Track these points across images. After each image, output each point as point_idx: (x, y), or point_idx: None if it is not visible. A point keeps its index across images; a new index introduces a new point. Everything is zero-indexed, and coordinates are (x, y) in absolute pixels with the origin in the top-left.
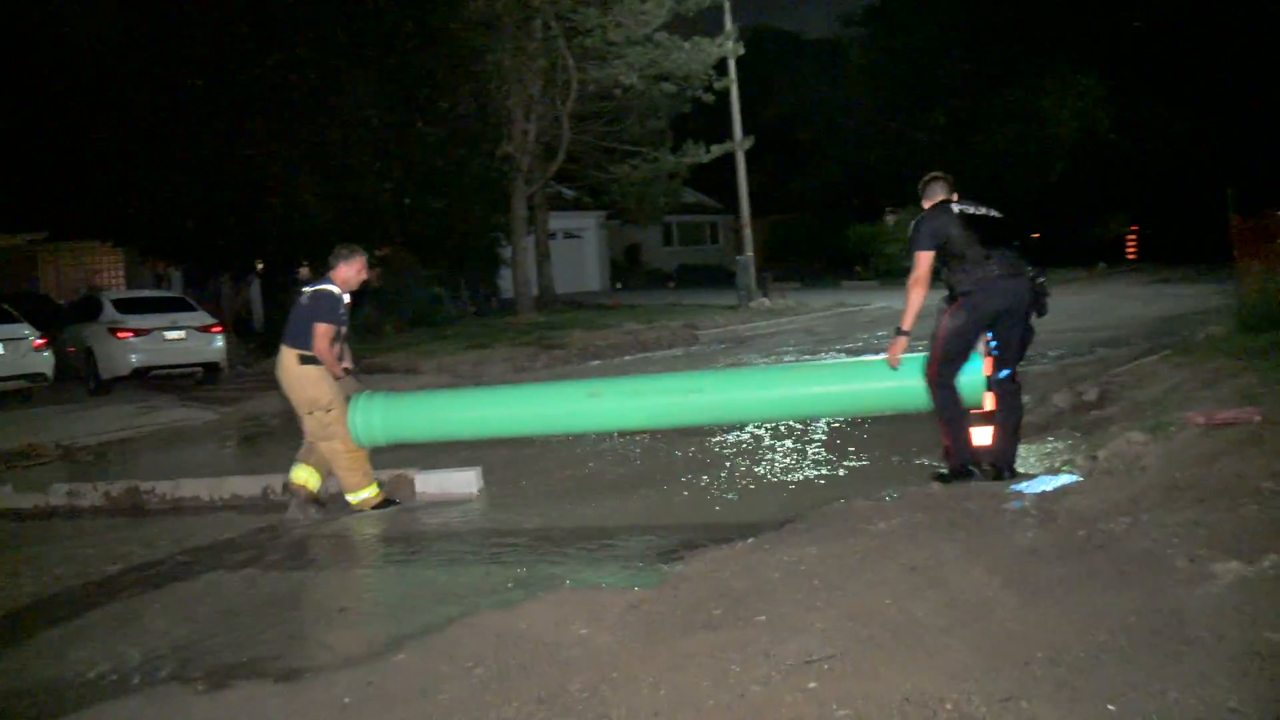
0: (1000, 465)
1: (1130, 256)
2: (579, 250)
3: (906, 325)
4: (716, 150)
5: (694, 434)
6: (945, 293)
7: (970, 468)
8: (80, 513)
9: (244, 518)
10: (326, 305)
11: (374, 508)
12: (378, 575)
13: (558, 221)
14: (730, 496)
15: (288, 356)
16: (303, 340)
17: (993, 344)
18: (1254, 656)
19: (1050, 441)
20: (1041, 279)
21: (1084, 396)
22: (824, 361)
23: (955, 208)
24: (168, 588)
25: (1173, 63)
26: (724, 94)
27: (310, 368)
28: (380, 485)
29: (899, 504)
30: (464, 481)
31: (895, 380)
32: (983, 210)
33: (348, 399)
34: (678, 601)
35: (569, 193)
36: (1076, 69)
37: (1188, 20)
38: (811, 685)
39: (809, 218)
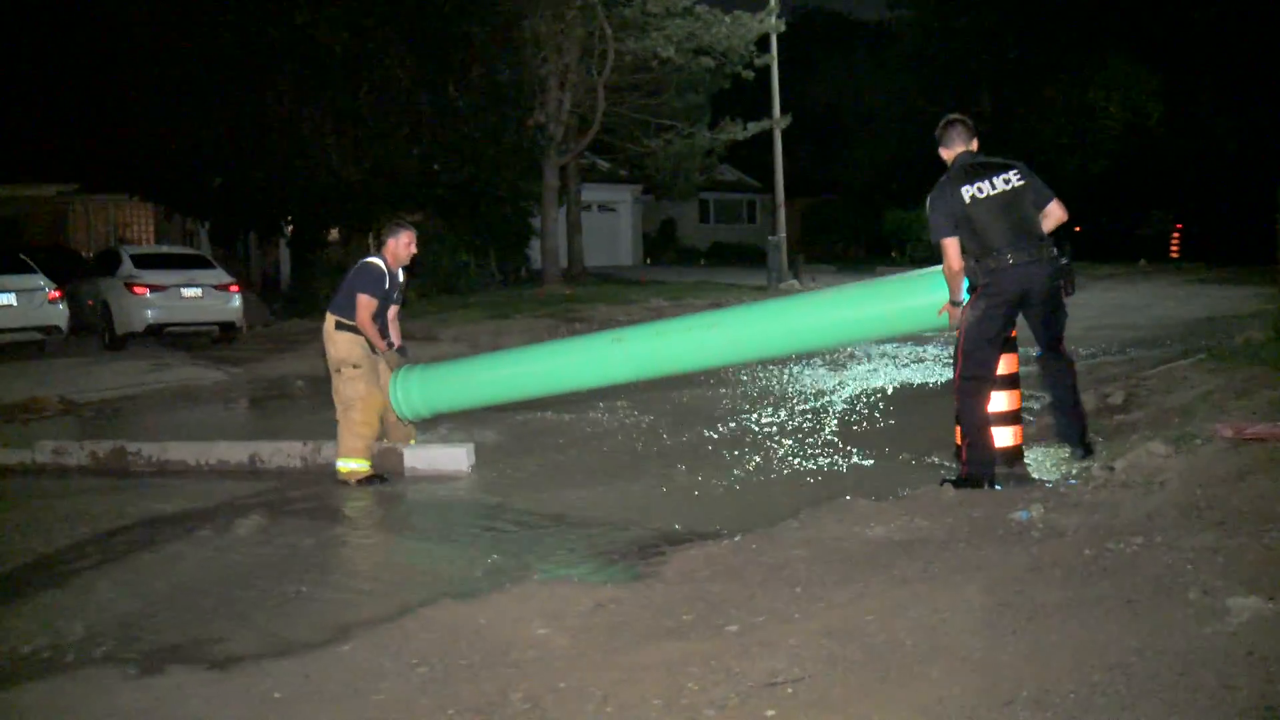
0: (1075, 446)
1: (1173, 254)
2: (613, 224)
3: (956, 296)
4: (754, 128)
5: (698, 419)
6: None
7: (986, 479)
8: (66, 472)
9: (226, 485)
10: (369, 278)
11: (359, 481)
12: (345, 555)
13: (592, 194)
14: (727, 488)
15: (329, 320)
16: (343, 309)
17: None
18: (1268, 713)
19: (1068, 445)
20: (1066, 259)
21: (1109, 399)
22: (839, 289)
23: (968, 190)
24: (129, 557)
25: (1228, 58)
26: (764, 71)
27: (345, 333)
28: (371, 460)
29: (900, 506)
30: (454, 459)
31: (910, 301)
32: (1000, 185)
33: (393, 369)
34: (648, 603)
35: (604, 165)
36: (1129, 60)
37: (1246, 15)
38: (769, 714)
39: (847, 201)
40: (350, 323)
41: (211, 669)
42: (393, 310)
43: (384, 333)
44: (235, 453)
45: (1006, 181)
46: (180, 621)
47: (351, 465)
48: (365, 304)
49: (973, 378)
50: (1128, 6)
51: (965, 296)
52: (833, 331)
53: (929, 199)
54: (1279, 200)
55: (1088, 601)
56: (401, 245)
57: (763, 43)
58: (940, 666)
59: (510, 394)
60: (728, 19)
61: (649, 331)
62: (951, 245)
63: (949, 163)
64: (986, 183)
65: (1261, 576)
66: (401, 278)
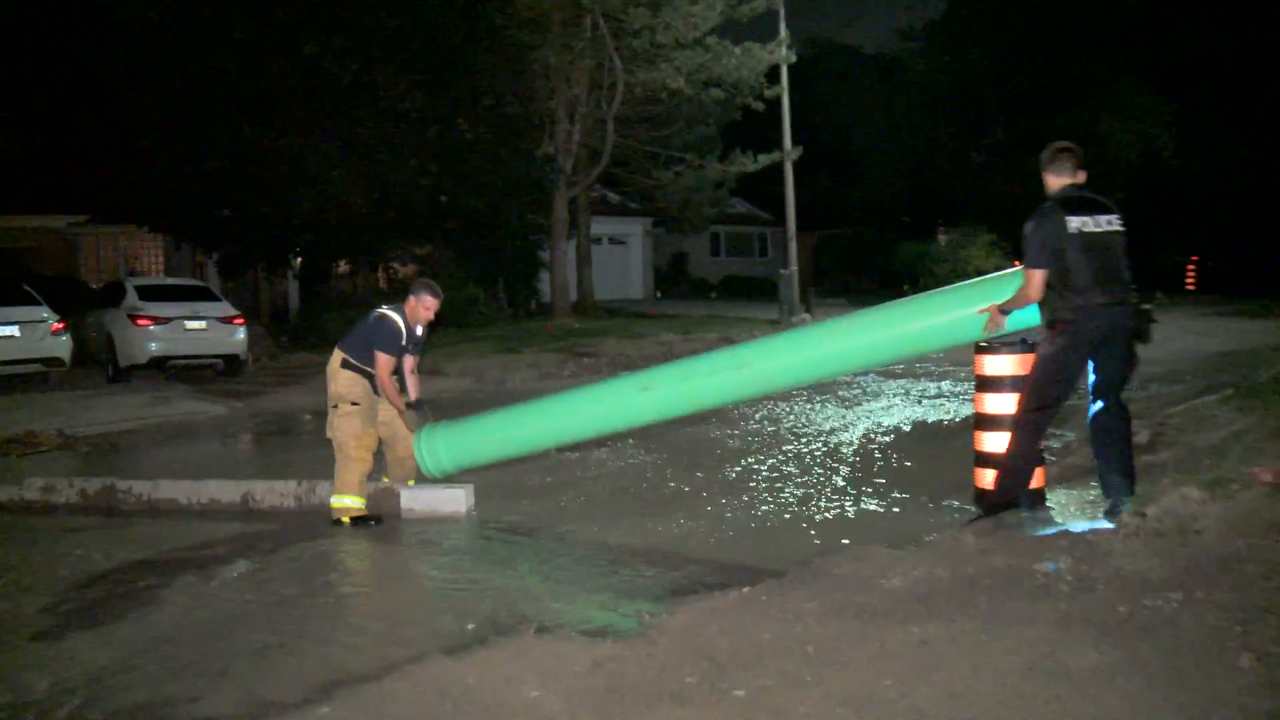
0: (1122, 498)
1: (1189, 287)
2: (623, 256)
3: (1011, 307)
4: (764, 160)
5: (707, 459)
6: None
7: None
8: (54, 509)
9: (216, 526)
10: (385, 334)
11: (353, 519)
12: (333, 604)
13: (602, 226)
14: (736, 534)
15: (336, 357)
16: (352, 348)
17: (1093, 377)
18: None
19: (1095, 488)
20: (1148, 305)
21: (1135, 438)
22: (857, 315)
23: (1074, 222)
24: (106, 604)
25: (1242, 87)
26: (775, 103)
27: (349, 372)
28: (366, 500)
29: (918, 555)
30: (453, 500)
31: (924, 321)
32: (1104, 224)
33: (413, 429)
34: (650, 662)
35: (614, 197)
36: (1141, 90)
37: (1260, 44)
38: None
39: (859, 233)
40: (356, 363)
41: None
42: (411, 361)
43: (401, 385)
44: (227, 492)
45: (1110, 222)
46: (154, 677)
47: (345, 502)
48: (384, 363)
49: (1038, 409)
50: (1140, 36)
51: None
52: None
53: (1029, 224)
54: None
55: (1125, 666)
56: (423, 307)
57: (773, 74)
58: None
59: (538, 446)
60: (738, 50)
61: (674, 375)
62: (1039, 278)
63: (1051, 190)
64: (1092, 219)
65: None
66: (421, 331)
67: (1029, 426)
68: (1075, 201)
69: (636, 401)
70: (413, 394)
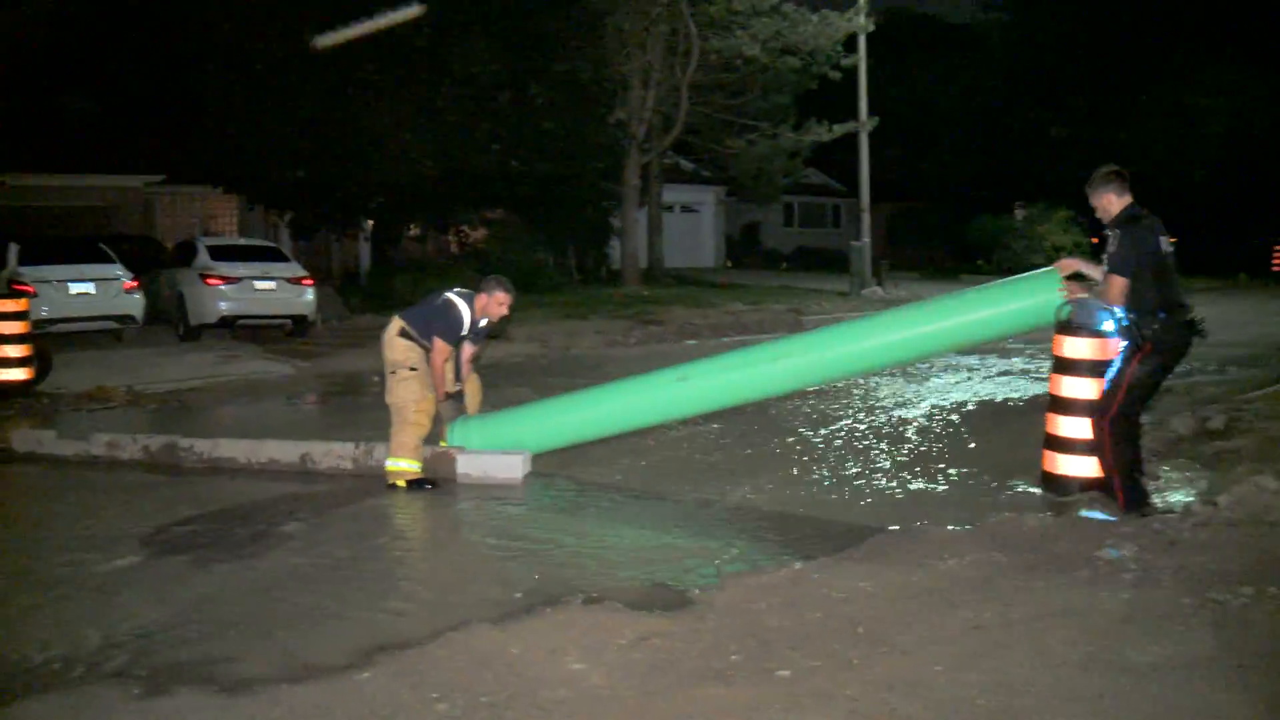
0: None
1: (1275, 269)
2: (695, 225)
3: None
4: (838, 130)
5: (767, 430)
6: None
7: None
8: (118, 465)
9: (273, 485)
10: (448, 323)
11: (408, 483)
12: (383, 569)
13: (674, 194)
14: (794, 508)
15: (394, 324)
16: (415, 325)
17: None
18: None
19: (1164, 473)
20: (1202, 319)
21: (1209, 423)
22: (903, 310)
23: (1163, 242)
24: (161, 561)
25: None
26: (851, 72)
27: (405, 340)
28: (423, 464)
29: (976, 537)
30: (508, 466)
31: (958, 318)
32: (1169, 246)
33: (448, 420)
34: (696, 638)
35: (687, 165)
36: (1235, 63)
37: None
38: None
39: (934, 206)
40: (415, 336)
41: (220, 692)
42: (469, 350)
43: (456, 373)
44: (286, 452)
45: (1171, 244)
46: (200, 635)
47: (401, 465)
48: (440, 349)
49: (1129, 416)
50: (1232, 6)
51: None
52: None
53: (1126, 231)
54: None
55: (1189, 663)
56: (494, 303)
57: (850, 43)
58: None
59: (575, 439)
60: (815, 18)
61: (713, 367)
62: (1124, 286)
63: (1115, 210)
64: (1165, 239)
65: None
66: (485, 323)
67: (1125, 432)
68: (1153, 221)
69: (674, 392)
70: (465, 374)
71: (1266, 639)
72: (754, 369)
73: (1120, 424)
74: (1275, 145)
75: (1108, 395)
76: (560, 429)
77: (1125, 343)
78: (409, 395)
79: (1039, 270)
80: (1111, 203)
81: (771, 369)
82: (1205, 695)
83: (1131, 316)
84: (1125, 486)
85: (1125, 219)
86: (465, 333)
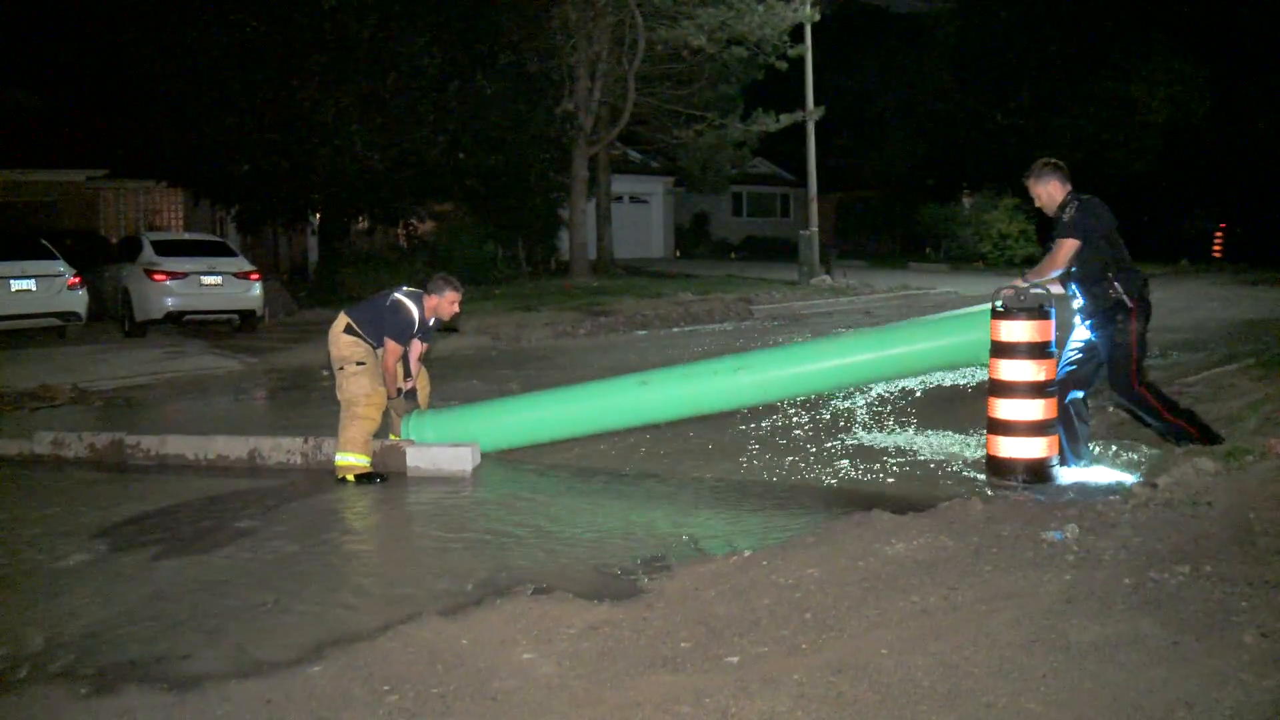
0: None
1: (1216, 255)
2: (644, 215)
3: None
4: (786, 119)
5: (719, 418)
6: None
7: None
8: (63, 464)
9: (222, 482)
10: (399, 324)
11: (358, 477)
12: (333, 563)
13: (623, 185)
14: (743, 496)
15: (340, 321)
16: (362, 324)
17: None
18: None
19: (1107, 458)
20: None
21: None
22: (869, 330)
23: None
24: (108, 560)
25: (1278, 52)
26: (798, 62)
27: (351, 336)
28: (372, 457)
29: (924, 522)
30: (457, 458)
31: (928, 343)
32: None
33: (400, 415)
34: (645, 626)
35: (636, 156)
36: (1174, 54)
37: None
38: None
39: (882, 195)
40: (361, 334)
41: (169, 690)
42: (418, 348)
43: (406, 368)
44: (235, 448)
45: None
46: (148, 633)
47: (350, 459)
48: (393, 350)
49: (1145, 379)
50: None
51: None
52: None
53: (1082, 203)
54: None
55: (1128, 641)
56: (444, 303)
57: (797, 33)
58: (959, 713)
59: (531, 440)
60: (761, 8)
61: (674, 376)
62: (1072, 249)
63: (1059, 198)
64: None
65: None
66: (434, 323)
67: (1152, 392)
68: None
69: (635, 398)
70: (414, 372)
71: (1200, 615)
72: (715, 380)
73: (1148, 380)
74: (1213, 133)
75: (1125, 362)
76: (517, 428)
77: (1111, 310)
78: (358, 389)
79: (978, 308)
80: (1056, 190)
81: (733, 381)
82: (1142, 671)
83: (1109, 278)
84: (1196, 424)
85: (1079, 198)
86: (415, 332)
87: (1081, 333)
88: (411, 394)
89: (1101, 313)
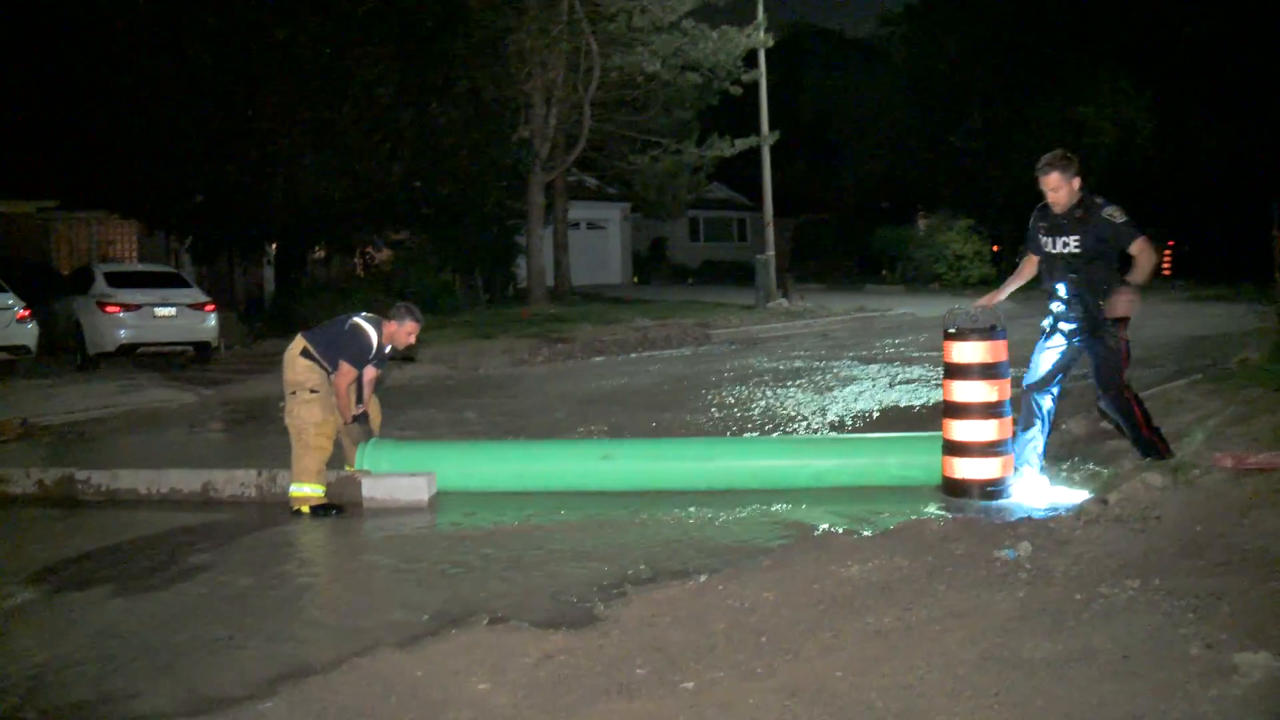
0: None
1: (1164, 272)
2: (602, 241)
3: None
4: (741, 144)
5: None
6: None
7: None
8: (10, 500)
9: (175, 516)
10: (356, 348)
11: (313, 508)
12: (287, 596)
13: (580, 211)
14: (702, 522)
15: (297, 344)
16: (318, 346)
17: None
18: None
19: (1061, 474)
20: None
21: (1102, 424)
22: (839, 437)
23: None
24: (55, 599)
25: (1220, 74)
26: (753, 87)
27: (308, 361)
28: (327, 488)
29: (879, 543)
30: (413, 488)
31: (873, 459)
32: None
33: (355, 442)
34: (601, 654)
35: (592, 182)
36: (1119, 76)
37: (1234, 32)
38: None
39: (838, 218)
40: (317, 357)
41: None
42: (372, 374)
43: (359, 393)
44: (188, 481)
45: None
46: (96, 673)
47: (305, 490)
48: (346, 374)
49: (1134, 391)
50: (1117, 23)
51: None
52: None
53: (1117, 209)
54: (1275, 217)
55: (1079, 656)
56: (403, 332)
57: (751, 58)
58: None
59: (483, 488)
60: (715, 34)
61: (639, 452)
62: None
63: (1076, 190)
64: None
65: (1270, 627)
66: (388, 349)
67: (1137, 402)
68: None
69: (595, 468)
70: (366, 398)
71: (1149, 629)
72: (680, 464)
73: (1129, 394)
74: (1159, 153)
75: (1116, 368)
76: (472, 476)
77: (1108, 320)
78: (309, 418)
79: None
80: (1077, 184)
81: (700, 467)
82: (1092, 686)
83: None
84: (1162, 440)
85: (1098, 198)
86: (371, 358)
87: (1058, 339)
88: (363, 419)
89: (1099, 322)
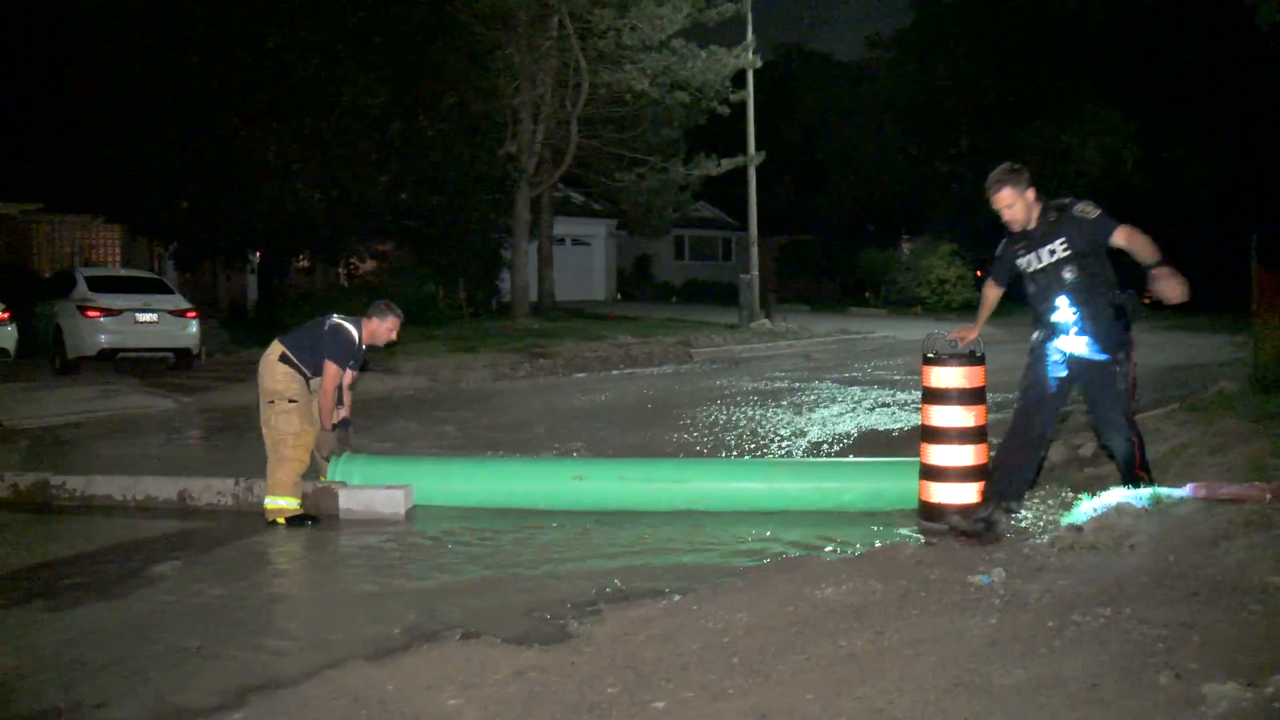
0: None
1: (1145, 301)
2: (586, 258)
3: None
4: (727, 164)
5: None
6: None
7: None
8: None
9: (149, 523)
10: (341, 347)
11: (288, 519)
12: (260, 607)
13: (566, 227)
14: (679, 541)
15: (274, 350)
16: (297, 351)
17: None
18: None
19: (1036, 501)
20: None
21: (1080, 450)
22: (810, 461)
23: None
24: (24, 606)
25: (1202, 105)
26: (741, 107)
27: (287, 367)
28: (303, 499)
29: (854, 566)
30: (390, 501)
31: (846, 483)
32: None
33: (328, 455)
34: (573, 671)
35: (578, 198)
36: (1104, 105)
37: (1217, 62)
38: None
39: (823, 240)
40: (296, 362)
41: None
42: (349, 377)
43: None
44: (163, 488)
45: None
46: (64, 681)
47: (280, 503)
48: (333, 373)
49: (1137, 429)
50: (1102, 52)
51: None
52: (791, 500)
53: (1092, 203)
54: (1253, 249)
55: (1049, 684)
56: (384, 329)
57: (739, 78)
58: None
59: (459, 503)
60: (703, 54)
61: (612, 473)
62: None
63: (1034, 200)
64: None
65: (1239, 657)
66: (364, 348)
67: (1138, 440)
68: None
69: (567, 487)
70: (346, 403)
71: (1120, 657)
72: (651, 485)
73: (1131, 420)
74: (1142, 183)
75: (1122, 400)
76: (444, 493)
77: (1117, 335)
78: (287, 429)
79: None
80: (1033, 196)
81: (672, 489)
82: (1061, 713)
83: (1116, 294)
84: (1149, 480)
85: (1060, 199)
86: (354, 357)
87: (1057, 359)
88: (344, 425)
89: (1109, 338)
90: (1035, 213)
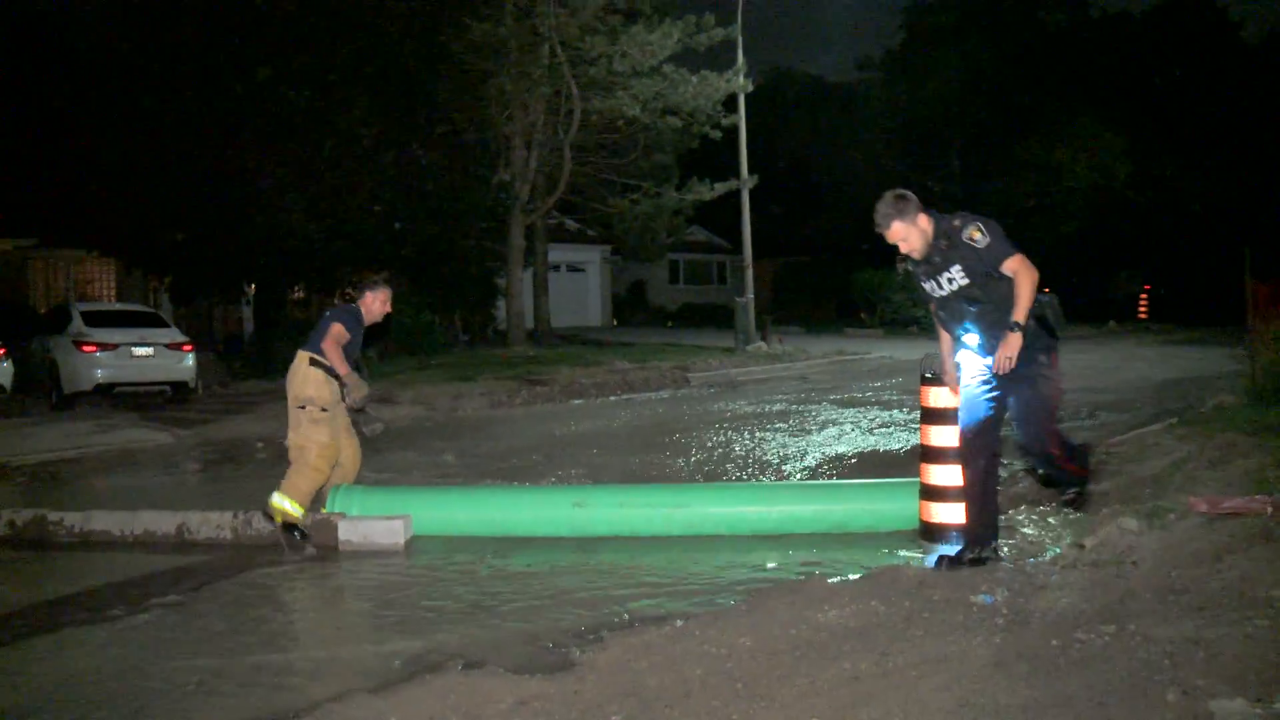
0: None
1: (1141, 316)
2: (581, 284)
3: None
4: (721, 188)
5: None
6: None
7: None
8: None
9: (148, 558)
10: (348, 314)
11: (286, 527)
12: (260, 641)
13: (560, 254)
14: (680, 567)
15: (301, 358)
16: (318, 348)
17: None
18: None
19: (1035, 520)
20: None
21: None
22: (810, 483)
23: None
24: (22, 643)
25: (1193, 120)
26: (733, 131)
27: (319, 371)
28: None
29: (856, 588)
30: (389, 531)
31: (845, 505)
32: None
33: (360, 403)
34: (576, 700)
35: (572, 225)
36: (1095, 121)
37: (1206, 79)
38: None
39: (818, 262)
40: (325, 362)
41: None
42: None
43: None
44: (162, 523)
45: (1044, 293)
46: (62, 718)
47: (287, 505)
48: (338, 332)
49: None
50: (1093, 69)
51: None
52: (792, 523)
53: (971, 219)
54: (1248, 263)
55: (1055, 703)
56: (378, 301)
57: (731, 103)
58: None
59: (457, 534)
60: (695, 79)
61: (612, 499)
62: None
63: (933, 227)
64: None
65: (1246, 673)
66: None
67: (1057, 435)
68: None
69: (567, 514)
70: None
71: (1125, 675)
72: (651, 511)
73: (1054, 428)
74: (1134, 198)
75: (1047, 408)
76: (444, 522)
77: (1035, 346)
78: (318, 438)
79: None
80: (926, 223)
81: (672, 514)
82: None
83: (1042, 299)
84: (1082, 466)
85: (954, 218)
86: (363, 327)
87: (979, 377)
88: (359, 369)
89: (1030, 350)
90: (930, 238)
